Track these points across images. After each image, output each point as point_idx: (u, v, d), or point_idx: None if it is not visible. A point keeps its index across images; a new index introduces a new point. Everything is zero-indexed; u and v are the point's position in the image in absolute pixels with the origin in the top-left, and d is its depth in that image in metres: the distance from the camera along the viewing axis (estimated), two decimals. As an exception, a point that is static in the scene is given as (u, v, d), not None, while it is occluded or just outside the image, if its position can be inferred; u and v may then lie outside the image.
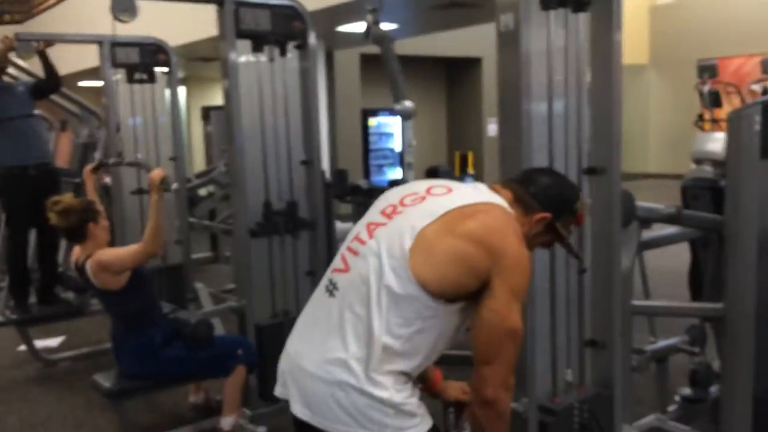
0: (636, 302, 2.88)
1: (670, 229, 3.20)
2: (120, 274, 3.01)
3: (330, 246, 5.06)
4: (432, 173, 13.65)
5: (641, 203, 2.75)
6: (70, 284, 4.62)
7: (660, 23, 14.80)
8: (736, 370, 2.80)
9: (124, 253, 3.04)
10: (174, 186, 3.16)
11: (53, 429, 3.66)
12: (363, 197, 4.25)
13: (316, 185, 3.66)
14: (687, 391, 3.34)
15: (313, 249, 3.65)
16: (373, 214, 1.65)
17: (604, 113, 2.28)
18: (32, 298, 4.74)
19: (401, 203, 1.60)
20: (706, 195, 3.10)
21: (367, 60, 11.15)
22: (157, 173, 3.09)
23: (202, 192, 7.96)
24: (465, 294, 1.51)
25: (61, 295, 4.80)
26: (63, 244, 5.19)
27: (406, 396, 1.51)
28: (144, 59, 4.50)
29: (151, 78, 4.61)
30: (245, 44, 3.30)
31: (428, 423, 1.55)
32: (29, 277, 4.68)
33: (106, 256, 3.00)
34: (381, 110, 12.05)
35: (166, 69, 4.62)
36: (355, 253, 1.58)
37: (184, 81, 13.88)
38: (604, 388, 2.41)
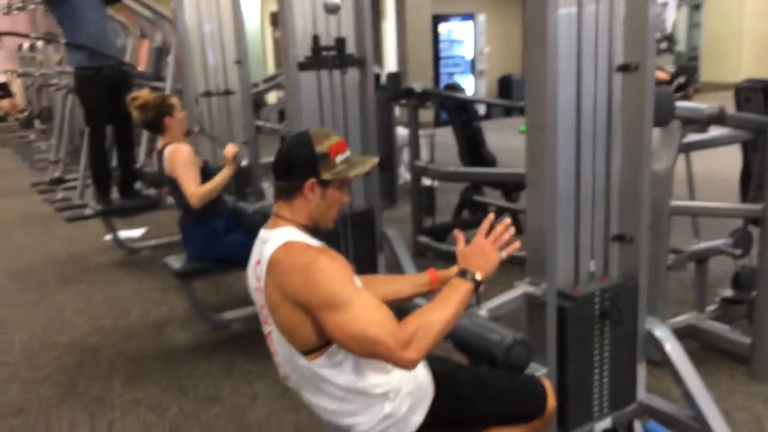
0: (675, 202, 2.91)
1: (721, 131, 3.17)
2: None
3: (390, 153, 5.15)
4: (504, 82, 13.50)
5: (683, 103, 2.73)
6: (147, 179, 4.99)
7: None
8: (772, 270, 2.83)
9: (187, 178, 3.25)
10: (244, 162, 3.36)
11: (133, 305, 4.10)
12: (416, 100, 4.35)
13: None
14: (728, 292, 3.39)
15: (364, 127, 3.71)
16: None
17: (639, 6, 2.26)
18: (116, 195, 5.17)
19: (261, 308, 1.78)
20: (758, 96, 3.03)
21: (438, -37, 10.84)
22: (230, 149, 3.35)
23: (271, 99, 8.17)
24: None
25: (140, 190, 5.20)
26: (142, 143, 5.58)
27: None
28: (209, -40, 4.62)
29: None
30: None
31: None
32: (110, 172, 5.07)
33: (180, 159, 3.27)
34: (452, 16, 11.79)
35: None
36: (279, 364, 1.82)
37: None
38: (629, 280, 2.50)
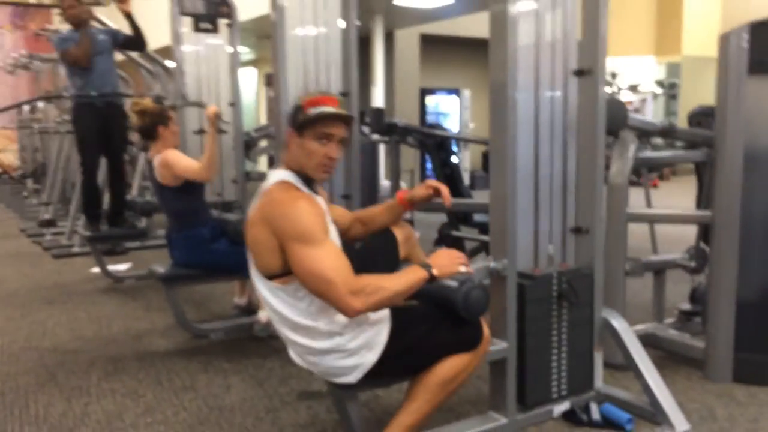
0: (631, 209, 3.12)
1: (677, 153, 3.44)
2: (177, 177, 3.49)
3: (374, 201, 5.37)
4: (488, 157, 13.78)
5: (635, 115, 3.00)
6: (137, 209, 5.16)
7: None
8: (721, 274, 3.01)
9: (186, 164, 3.50)
10: (225, 126, 3.65)
11: (115, 321, 4.17)
12: (398, 135, 4.63)
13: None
14: (686, 306, 3.57)
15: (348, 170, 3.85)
16: None
17: (591, 13, 2.55)
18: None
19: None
20: (708, 120, 3.31)
21: (427, 40, 11.46)
22: (211, 109, 3.63)
23: (262, 143, 8.55)
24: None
25: (129, 219, 5.36)
26: (133, 175, 5.79)
27: None
28: (209, 10, 5.01)
29: (215, 28, 5.10)
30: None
31: None
32: (101, 200, 5.26)
33: (171, 157, 3.49)
34: (439, 89, 12.38)
35: (228, 21, 5.12)
36: None
37: (255, 63, 14.55)
38: (585, 268, 2.67)
